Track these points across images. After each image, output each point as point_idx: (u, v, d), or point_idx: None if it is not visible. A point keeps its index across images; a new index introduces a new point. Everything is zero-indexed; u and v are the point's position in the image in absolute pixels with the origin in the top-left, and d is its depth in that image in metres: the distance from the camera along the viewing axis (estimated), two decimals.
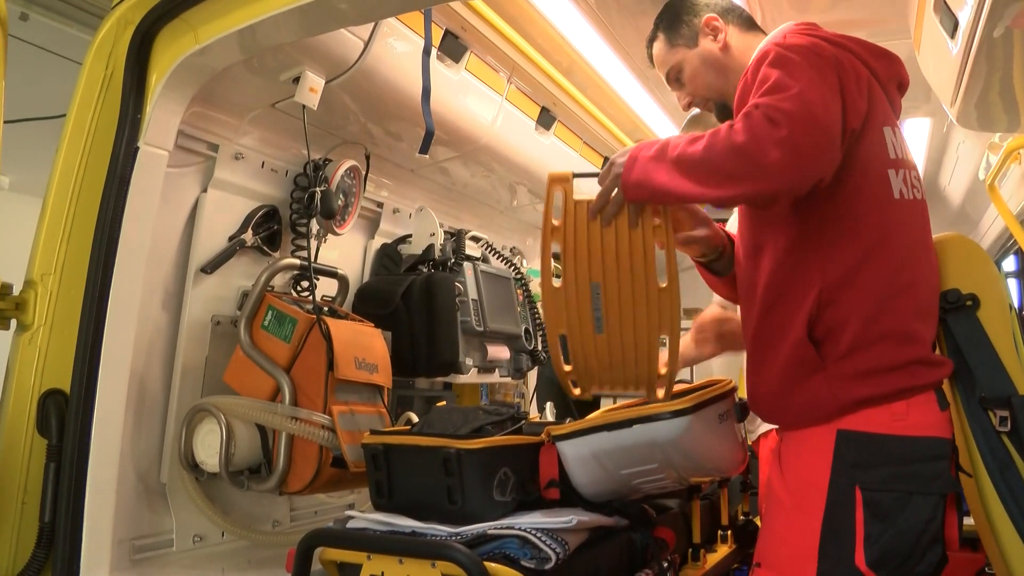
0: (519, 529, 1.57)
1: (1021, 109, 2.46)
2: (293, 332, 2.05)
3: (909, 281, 1.54)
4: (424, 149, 2.01)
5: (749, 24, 1.81)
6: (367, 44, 2.07)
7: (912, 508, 1.44)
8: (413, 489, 1.75)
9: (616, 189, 1.51)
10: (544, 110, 3.05)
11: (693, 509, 2.20)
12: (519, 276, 3.08)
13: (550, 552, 1.53)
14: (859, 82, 1.52)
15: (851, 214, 1.51)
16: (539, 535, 1.54)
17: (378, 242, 2.85)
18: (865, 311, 1.49)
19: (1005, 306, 1.74)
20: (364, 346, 2.16)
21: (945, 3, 1.96)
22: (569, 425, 1.69)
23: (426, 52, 1.96)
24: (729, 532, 2.45)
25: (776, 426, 1.70)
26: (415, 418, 2.35)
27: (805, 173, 1.40)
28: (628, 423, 1.61)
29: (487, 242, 3.04)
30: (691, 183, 1.43)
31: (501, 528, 1.59)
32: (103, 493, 1.75)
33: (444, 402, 2.13)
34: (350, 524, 1.74)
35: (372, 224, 2.83)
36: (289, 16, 1.63)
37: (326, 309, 2.23)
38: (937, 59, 2.26)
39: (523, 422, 1.93)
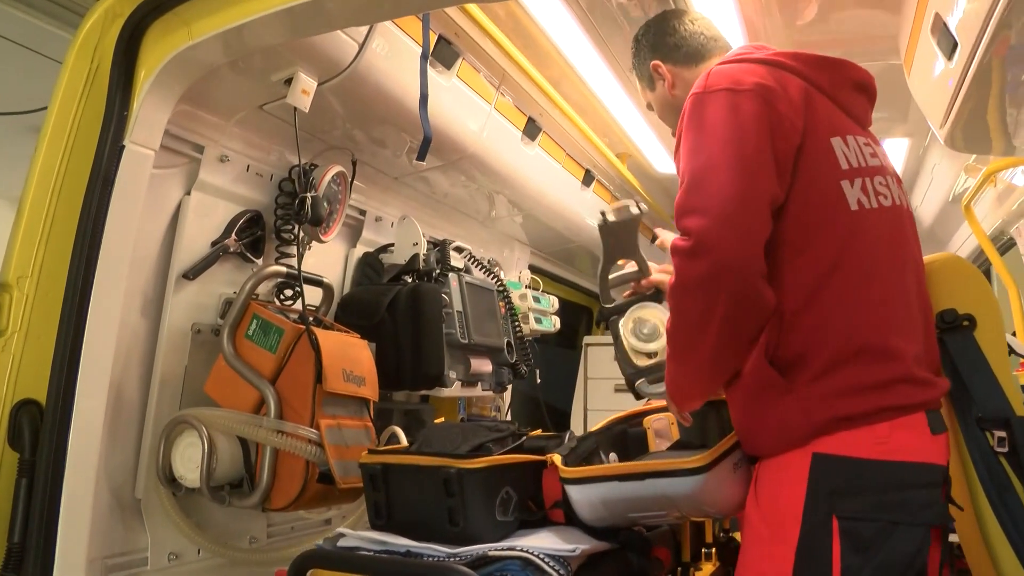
0: (521, 551, 1.52)
1: (1012, 133, 2.50)
2: (279, 342, 1.98)
3: (880, 294, 1.46)
4: (421, 156, 1.96)
5: (693, 59, 1.81)
6: (362, 47, 2.01)
7: (896, 540, 1.33)
8: (413, 510, 1.69)
9: None
10: (530, 120, 3.01)
11: (683, 528, 2.16)
12: (501, 288, 3.03)
13: (554, 574, 1.48)
14: (790, 100, 1.47)
15: (803, 233, 1.45)
16: (543, 558, 1.49)
17: (360, 251, 2.78)
18: (834, 329, 1.42)
19: (1000, 326, 1.74)
20: (352, 358, 2.09)
21: (945, 25, 1.97)
22: (579, 469, 1.64)
23: (424, 57, 1.91)
24: (713, 550, 2.43)
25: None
26: (400, 433, 2.28)
27: (746, 256, 1.37)
28: (641, 476, 1.55)
29: (470, 253, 2.99)
30: (684, 360, 1.52)
31: (503, 550, 1.53)
32: (78, 511, 1.65)
33: (443, 418, 2.08)
34: (341, 543, 1.67)
35: (354, 232, 2.76)
36: (289, 14, 1.56)
37: (311, 319, 2.15)
38: (930, 80, 2.29)
39: (524, 438, 1.88)
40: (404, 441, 2.33)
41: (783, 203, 1.44)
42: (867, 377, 1.40)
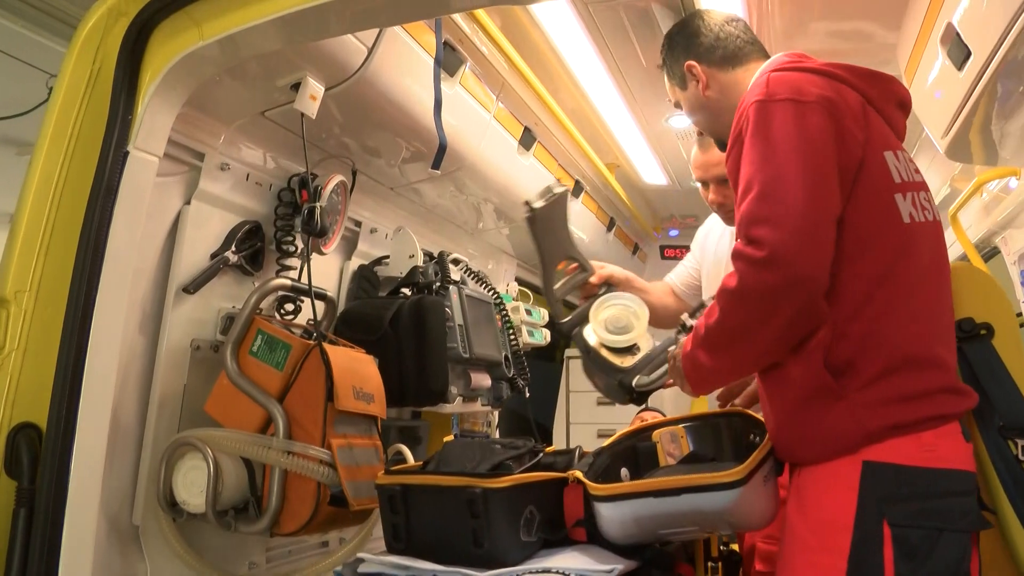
0: (557, 572, 1.46)
1: (998, 144, 2.52)
2: (287, 359, 1.89)
3: (926, 305, 1.49)
4: (436, 164, 1.90)
5: (729, 61, 1.78)
6: (371, 51, 1.95)
7: (943, 547, 1.35)
8: (434, 532, 1.62)
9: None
10: (526, 130, 2.97)
11: (696, 544, 2.13)
12: (498, 301, 2.97)
13: None
14: (853, 113, 1.48)
15: (858, 243, 1.46)
16: None
17: (355, 263, 2.69)
18: (884, 338, 1.43)
19: (1018, 334, 1.74)
20: (361, 374, 2.01)
21: (958, 35, 1.98)
22: (611, 487, 1.59)
23: (437, 62, 1.85)
24: (720, 564, 2.40)
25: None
26: (407, 451, 2.21)
27: (818, 273, 1.37)
28: (676, 491, 1.51)
29: (466, 265, 2.92)
30: (727, 354, 1.49)
31: (538, 572, 1.47)
32: (81, 544, 1.54)
33: (452, 436, 2.00)
34: (362, 568, 1.59)
35: (350, 244, 2.68)
36: (314, 13, 1.49)
37: (314, 335, 2.07)
38: (934, 91, 2.30)
39: (541, 455, 1.82)
40: (411, 459, 2.25)
41: (843, 211, 1.43)
42: (916, 386, 1.42)
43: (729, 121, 1.70)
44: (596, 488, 1.57)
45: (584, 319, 1.95)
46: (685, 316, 1.77)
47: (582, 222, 3.90)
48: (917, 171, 1.59)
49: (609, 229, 4.42)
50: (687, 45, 1.79)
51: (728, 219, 2.32)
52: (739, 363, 1.54)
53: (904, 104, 1.66)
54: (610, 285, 2.10)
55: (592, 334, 1.94)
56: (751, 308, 1.40)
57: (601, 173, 3.70)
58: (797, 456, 1.52)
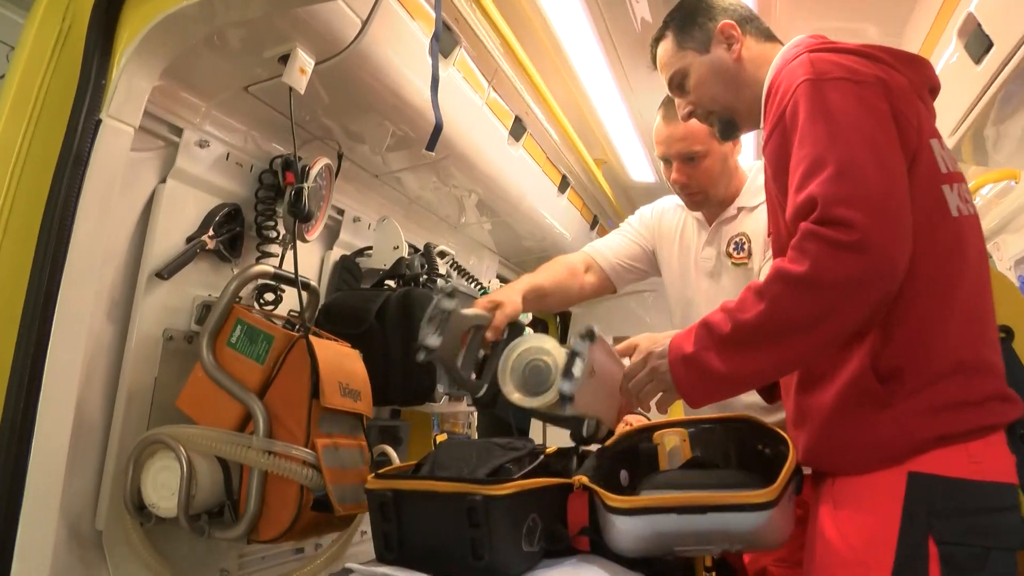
0: None
1: (993, 147, 2.47)
2: (268, 351, 1.75)
3: (974, 306, 1.38)
4: (431, 146, 1.77)
5: (767, 35, 1.68)
6: (365, 23, 1.81)
7: (992, 567, 1.25)
8: (429, 542, 1.50)
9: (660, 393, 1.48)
10: (517, 120, 2.85)
11: (697, 560, 2.04)
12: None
13: None
14: (906, 97, 1.38)
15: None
16: None
17: (336, 253, 2.56)
18: (934, 342, 1.33)
19: None
20: (347, 370, 1.87)
21: (979, 27, 1.91)
22: (630, 499, 1.47)
23: (436, 37, 1.72)
24: (714, 573, 2.32)
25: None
26: (392, 453, 2.08)
27: (903, 263, 1.24)
28: (703, 509, 1.40)
29: (452, 258, 2.80)
30: (764, 355, 1.31)
31: None
32: (37, 550, 1.39)
33: (445, 436, 1.88)
34: None
35: (332, 233, 2.54)
36: None
37: (298, 326, 1.93)
38: (947, 84, 2.23)
39: (542, 457, 1.71)
40: (396, 461, 2.13)
41: None
42: (965, 393, 1.31)
43: (749, 97, 1.61)
44: (614, 500, 1.46)
45: (496, 386, 1.67)
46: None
47: (566, 219, 3.80)
48: (955, 161, 1.48)
49: (592, 227, 4.32)
50: (724, 6, 1.66)
51: (691, 202, 2.16)
52: (779, 365, 1.36)
53: (935, 91, 1.55)
54: (511, 326, 1.83)
55: (513, 396, 1.65)
56: (826, 298, 1.25)
57: (588, 168, 3.60)
58: (835, 465, 1.41)
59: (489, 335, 1.75)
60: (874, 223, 1.21)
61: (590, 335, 1.46)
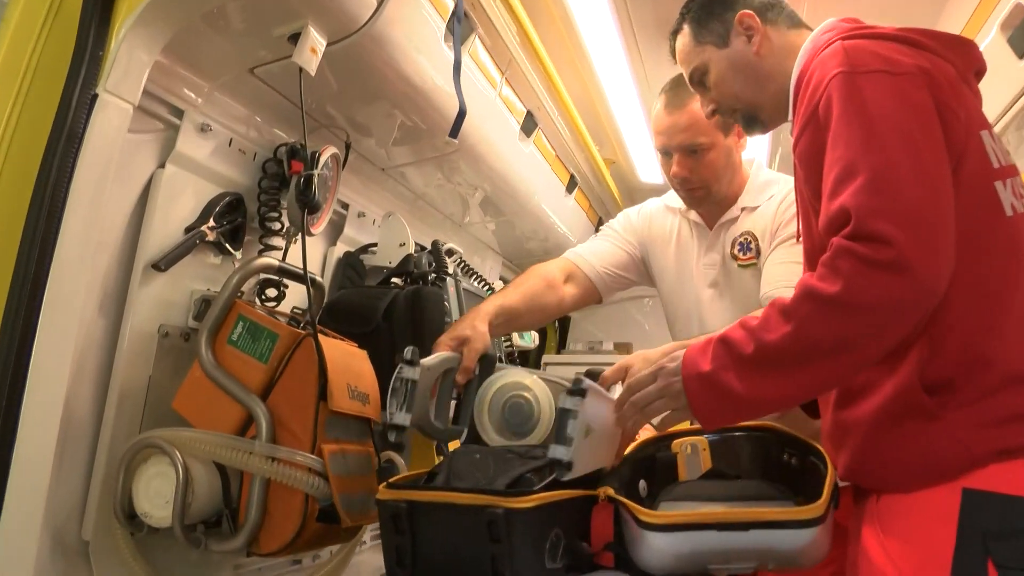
0: None
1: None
2: (272, 350, 1.63)
3: None
4: (454, 132, 1.66)
5: (794, 21, 1.57)
6: (381, 2, 1.70)
7: None
8: (445, 557, 1.39)
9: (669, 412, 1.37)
10: (528, 115, 2.75)
11: None
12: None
13: None
14: (953, 87, 1.28)
15: (962, 243, 1.22)
16: None
17: (340, 249, 2.44)
18: (988, 353, 1.23)
19: None
20: (355, 371, 1.76)
21: None
22: (667, 515, 1.35)
23: (457, 18, 1.62)
24: None
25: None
26: (400, 460, 1.96)
27: (944, 284, 1.15)
28: (744, 526, 1.29)
29: (460, 257, 2.69)
30: (789, 379, 1.22)
31: None
32: (17, 562, 1.27)
33: (458, 442, 1.77)
34: None
35: (335, 228, 2.43)
36: None
37: (303, 324, 1.81)
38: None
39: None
40: (404, 469, 2.01)
41: None
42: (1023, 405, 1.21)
43: (775, 91, 1.50)
44: (647, 515, 1.34)
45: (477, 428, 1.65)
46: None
47: (572, 220, 3.71)
48: (1007, 152, 1.37)
49: (596, 230, 4.24)
50: None
51: (691, 198, 2.05)
52: (805, 388, 1.27)
53: (980, 73, 1.44)
54: (481, 359, 1.74)
55: (497, 436, 1.63)
56: (859, 321, 1.16)
57: (597, 167, 3.51)
58: (881, 482, 1.31)
59: (459, 379, 1.66)
60: (912, 239, 1.12)
61: (581, 392, 1.33)
